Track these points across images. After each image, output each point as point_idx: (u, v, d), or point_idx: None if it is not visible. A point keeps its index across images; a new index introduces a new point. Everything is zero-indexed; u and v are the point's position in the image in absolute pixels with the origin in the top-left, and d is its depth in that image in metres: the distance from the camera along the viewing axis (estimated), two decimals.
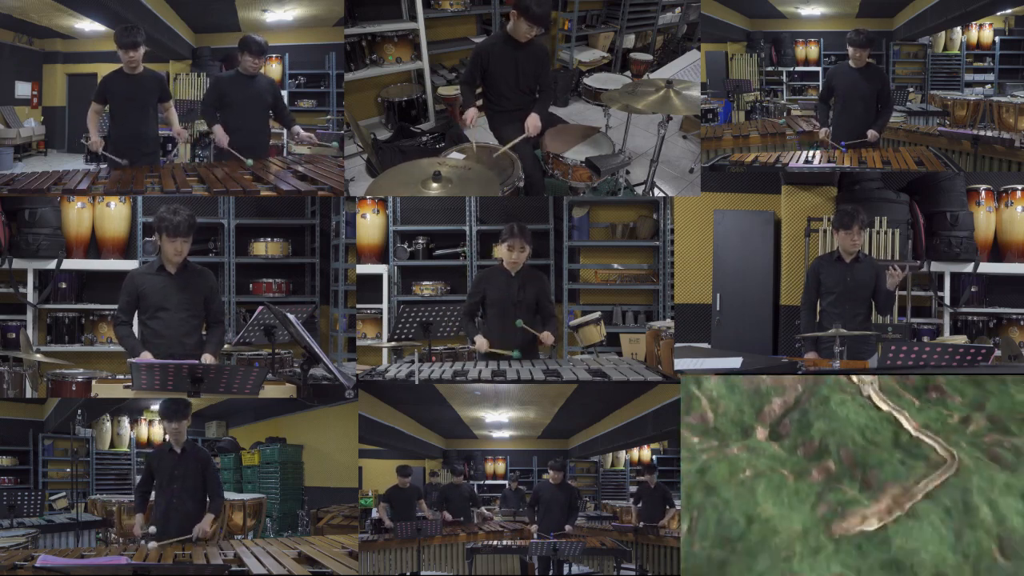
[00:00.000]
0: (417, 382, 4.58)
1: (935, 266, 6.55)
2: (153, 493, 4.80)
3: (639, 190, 5.70)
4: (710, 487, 1.81)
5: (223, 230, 7.06)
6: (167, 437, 4.93)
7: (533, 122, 5.24)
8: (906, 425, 1.97)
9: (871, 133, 5.96)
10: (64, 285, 6.81)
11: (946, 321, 6.58)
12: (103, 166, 5.90)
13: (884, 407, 2.10)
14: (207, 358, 4.49)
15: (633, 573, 6.16)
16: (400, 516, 6.37)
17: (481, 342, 4.94)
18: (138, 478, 5.42)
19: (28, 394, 5.76)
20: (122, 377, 4.77)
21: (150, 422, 7.52)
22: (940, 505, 1.61)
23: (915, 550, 1.57)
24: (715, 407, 2.10)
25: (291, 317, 4.34)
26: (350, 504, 6.44)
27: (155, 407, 7.33)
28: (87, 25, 7.38)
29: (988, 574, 1.47)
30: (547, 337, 4.98)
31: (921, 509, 1.62)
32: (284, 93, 7.41)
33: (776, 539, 1.64)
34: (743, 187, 6.74)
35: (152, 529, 4.59)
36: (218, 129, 5.78)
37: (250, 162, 5.70)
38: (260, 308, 5.18)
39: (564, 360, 5.69)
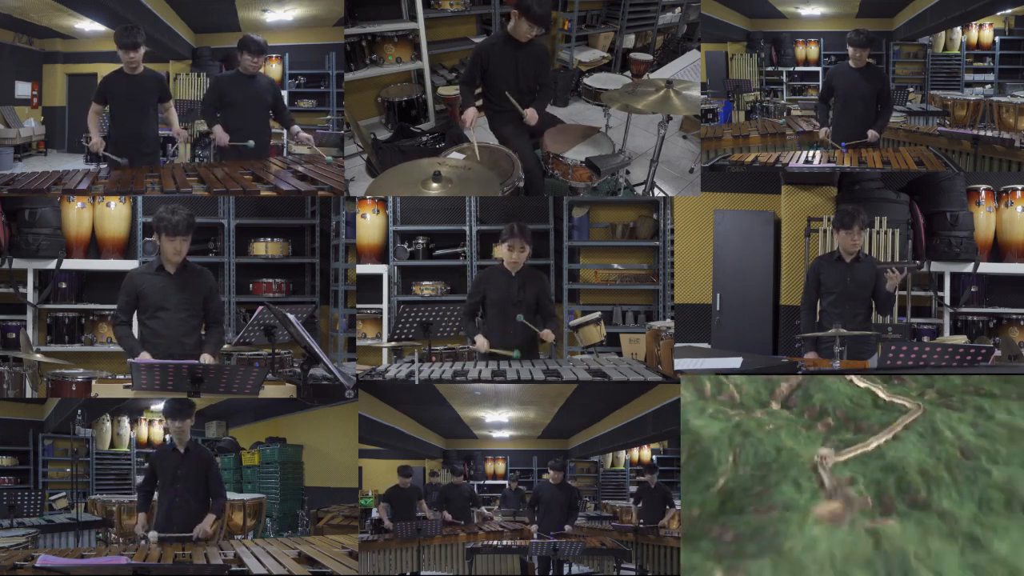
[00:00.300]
0: (417, 382, 4.58)
1: (935, 266, 6.55)
2: (156, 492, 4.80)
3: (639, 190, 5.70)
4: (746, 432, 2.63)
5: (223, 230, 7.06)
6: (168, 437, 4.93)
7: (531, 114, 5.24)
8: (880, 395, 2.78)
9: (871, 133, 5.96)
10: (64, 285, 6.81)
11: (946, 321, 6.58)
12: (103, 166, 5.90)
13: (862, 385, 2.94)
14: (206, 358, 4.49)
15: (633, 573, 6.16)
16: (400, 516, 6.37)
17: (481, 342, 4.94)
18: (140, 478, 5.42)
19: (28, 394, 5.76)
20: (122, 377, 4.77)
21: (150, 422, 7.52)
22: (915, 432, 2.46)
23: (903, 457, 2.40)
24: (739, 390, 2.93)
25: (291, 317, 4.34)
26: (350, 504, 6.44)
27: (155, 407, 7.34)
28: (87, 25, 7.37)
29: (956, 468, 2.27)
30: (548, 335, 4.98)
31: (902, 435, 2.48)
32: (284, 93, 7.41)
33: (800, 459, 2.47)
34: (743, 187, 6.74)
35: (153, 534, 4.58)
36: (218, 129, 5.78)
37: (251, 143, 5.70)
38: (260, 308, 5.18)
39: (564, 360, 5.69)
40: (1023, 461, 2.12)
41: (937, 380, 2.87)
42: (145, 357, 4.40)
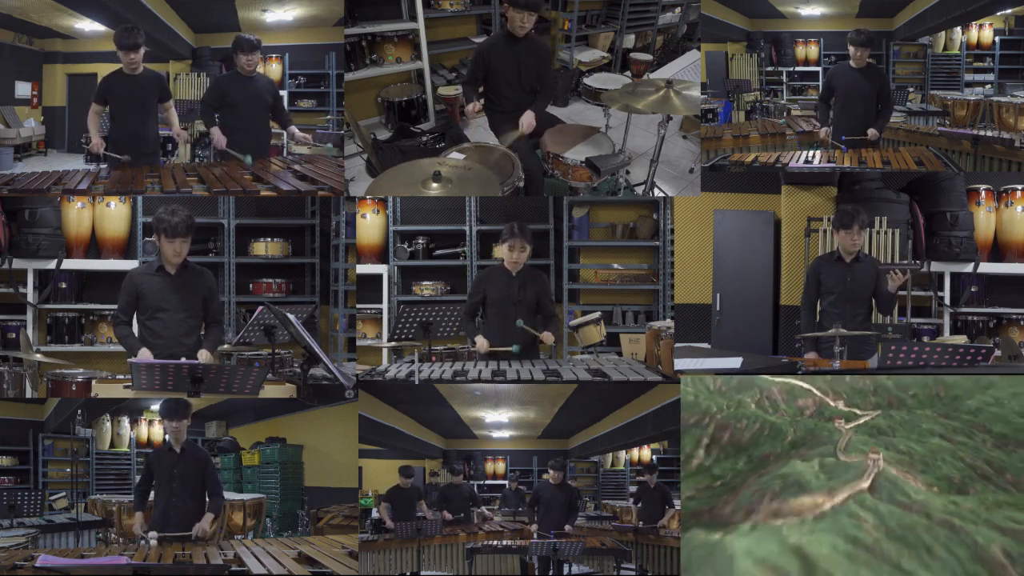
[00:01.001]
0: (417, 382, 4.58)
1: (935, 266, 6.55)
2: (152, 492, 4.79)
3: (639, 190, 5.70)
4: (797, 422, 4.28)
5: (223, 230, 7.06)
6: (167, 436, 4.93)
7: (527, 120, 5.22)
8: (858, 412, 4.39)
9: (871, 132, 5.96)
10: (64, 285, 6.81)
11: (946, 321, 6.58)
12: (103, 166, 5.90)
13: (846, 408, 4.46)
14: (203, 354, 4.48)
15: (633, 573, 6.16)
16: (401, 516, 6.37)
17: (481, 342, 4.93)
18: (138, 478, 5.41)
19: (28, 394, 5.76)
20: (122, 377, 4.77)
21: (150, 422, 7.52)
22: (879, 419, 4.22)
23: (876, 424, 4.15)
24: (786, 413, 4.49)
25: (291, 317, 4.34)
26: (350, 504, 6.44)
27: (155, 407, 7.33)
28: (87, 25, 7.38)
29: (902, 425, 4.13)
30: (548, 337, 4.98)
31: (873, 419, 4.24)
32: (284, 93, 7.42)
33: (829, 426, 4.21)
34: (743, 187, 6.74)
35: (152, 536, 4.57)
36: (215, 131, 5.77)
37: (249, 159, 5.70)
38: (260, 308, 5.18)
39: (564, 360, 5.69)
40: (929, 419, 4.11)
41: (882, 399, 4.48)
42: (147, 355, 4.40)
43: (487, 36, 7.18)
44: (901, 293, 6.24)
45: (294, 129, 5.99)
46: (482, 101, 5.47)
